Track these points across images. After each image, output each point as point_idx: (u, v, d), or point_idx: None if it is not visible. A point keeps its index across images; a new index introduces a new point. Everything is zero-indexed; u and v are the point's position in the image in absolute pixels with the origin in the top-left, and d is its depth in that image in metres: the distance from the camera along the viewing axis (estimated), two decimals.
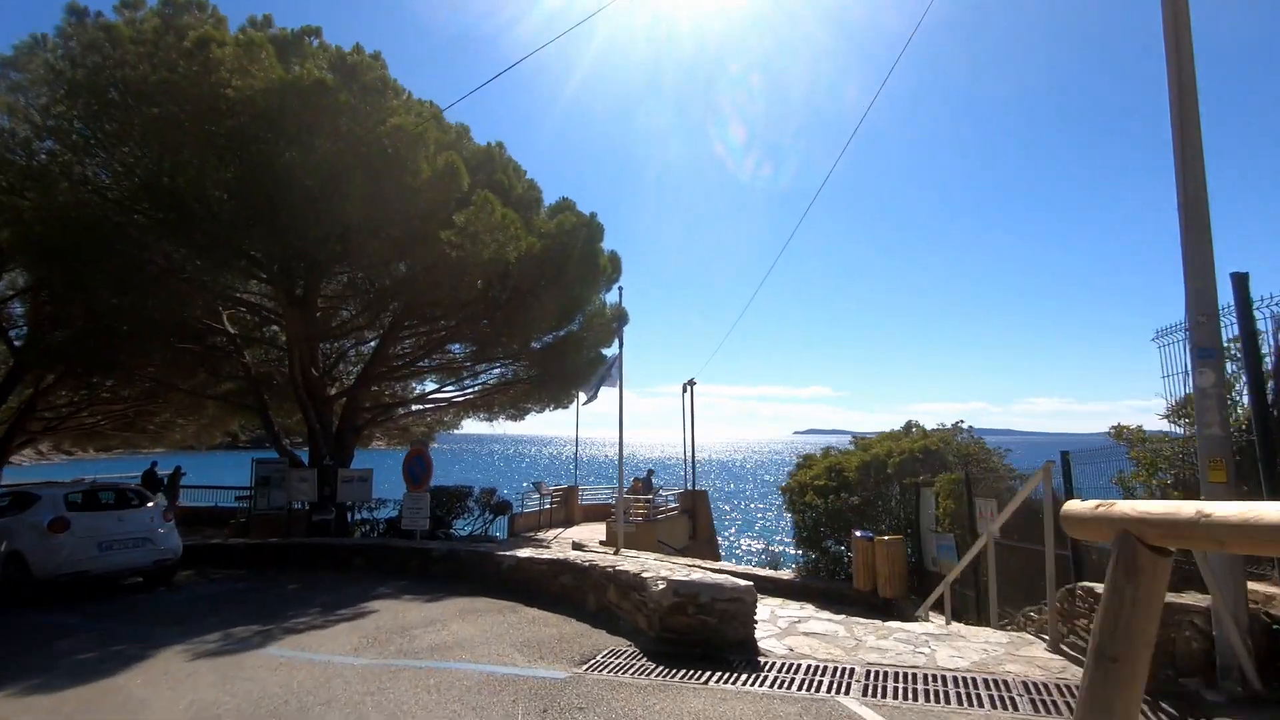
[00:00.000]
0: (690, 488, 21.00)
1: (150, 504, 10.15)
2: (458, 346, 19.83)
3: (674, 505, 20.12)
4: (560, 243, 15.81)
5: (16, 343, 19.65)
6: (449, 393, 20.99)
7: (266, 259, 13.44)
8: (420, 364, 19.78)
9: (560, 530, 20.60)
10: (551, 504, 21.30)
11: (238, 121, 10.92)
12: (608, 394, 15.79)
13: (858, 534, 11.67)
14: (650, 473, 22.86)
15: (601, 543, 16.93)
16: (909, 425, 13.85)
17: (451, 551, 9.30)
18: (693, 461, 20.89)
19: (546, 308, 15.93)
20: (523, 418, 21.94)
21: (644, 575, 5.84)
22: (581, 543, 15.96)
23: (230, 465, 40.48)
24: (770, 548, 18.97)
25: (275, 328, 20.16)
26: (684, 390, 21.43)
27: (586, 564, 6.88)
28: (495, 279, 14.87)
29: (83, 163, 13.45)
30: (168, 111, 10.84)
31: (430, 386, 21.89)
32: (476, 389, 20.58)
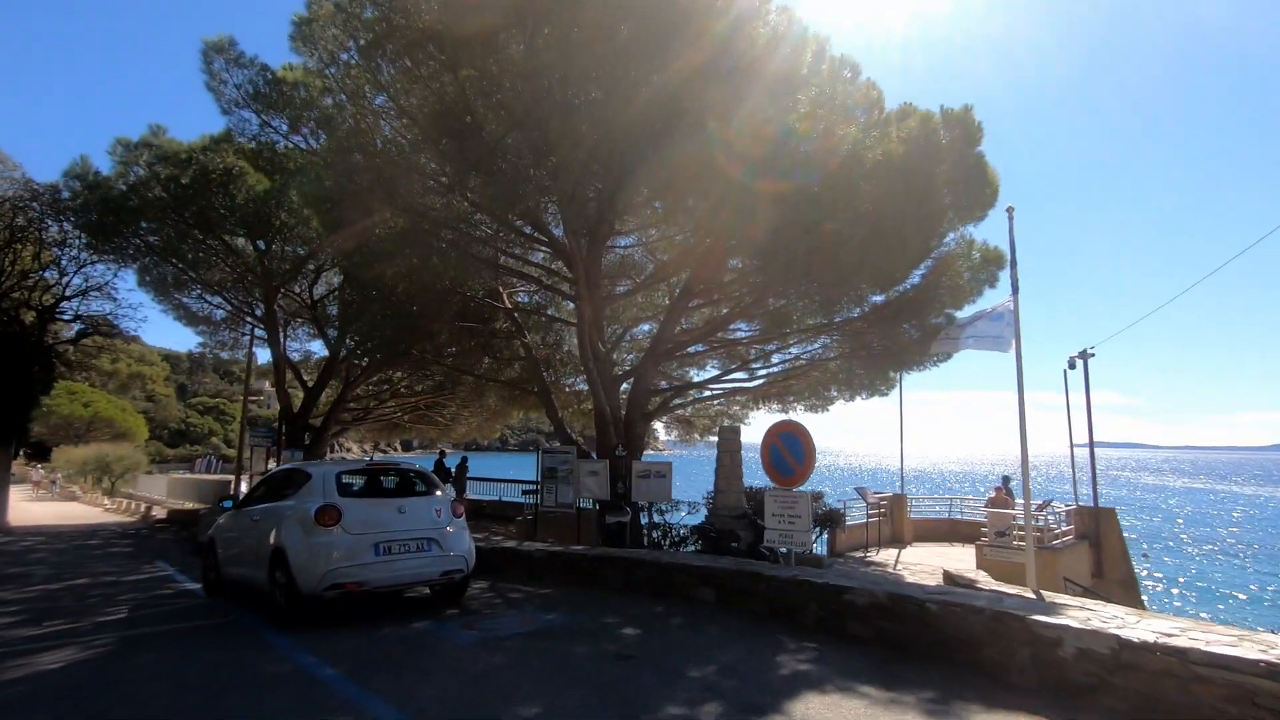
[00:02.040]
0: (1091, 504, 14.75)
1: (437, 492, 7.46)
2: (744, 326, 16.21)
3: (1068, 528, 14.13)
4: (924, 148, 11.12)
5: (332, 338, 21.04)
6: (739, 378, 17.31)
7: (553, 186, 10.75)
8: (712, 339, 16.41)
9: (895, 551, 15.71)
10: (877, 516, 16.52)
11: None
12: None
13: None
14: (1007, 479, 16.97)
15: (974, 571, 11.79)
16: None
17: (903, 600, 5.08)
18: (1093, 470, 14.64)
19: (908, 244, 11.34)
20: (826, 408, 17.63)
21: None
22: (969, 578, 11.00)
23: (505, 464, 41.88)
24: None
25: (552, 311, 18.65)
26: (1070, 367, 15.30)
27: None
28: (841, 203, 10.66)
29: (371, 125, 12.26)
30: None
31: (711, 373, 18.51)
32: (775, 370, 16.69)
